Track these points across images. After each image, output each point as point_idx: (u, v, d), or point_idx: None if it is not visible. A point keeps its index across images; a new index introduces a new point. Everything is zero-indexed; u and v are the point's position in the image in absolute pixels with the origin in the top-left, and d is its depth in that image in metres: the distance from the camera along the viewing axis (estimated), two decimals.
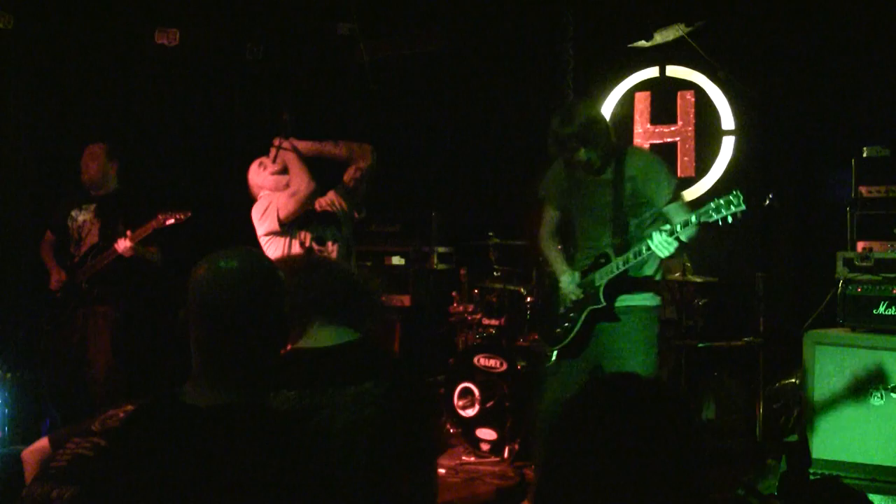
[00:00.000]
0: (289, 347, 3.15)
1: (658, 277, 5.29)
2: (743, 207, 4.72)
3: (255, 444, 2.32)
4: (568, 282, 5.26)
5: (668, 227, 4.89)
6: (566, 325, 5.28)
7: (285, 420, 2.48)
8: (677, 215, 5.02)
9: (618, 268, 5.08)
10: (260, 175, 5.95)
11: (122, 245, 6.50)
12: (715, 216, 4.76)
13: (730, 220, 4.74)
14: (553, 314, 5.42)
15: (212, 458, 2.28)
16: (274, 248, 5.71)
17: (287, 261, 5.49)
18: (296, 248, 5.73)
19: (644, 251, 4.98)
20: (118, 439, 2.51)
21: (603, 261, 5.16)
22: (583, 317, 5.20)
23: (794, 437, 6.44)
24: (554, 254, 5.48)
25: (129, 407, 3.50)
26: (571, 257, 5.41)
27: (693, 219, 4.81)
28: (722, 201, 4.75)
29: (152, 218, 6.56)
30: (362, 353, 3.15)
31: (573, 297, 5.25)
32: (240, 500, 2.25)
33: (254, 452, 2.30)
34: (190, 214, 6.59)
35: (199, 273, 2.47)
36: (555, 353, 5.32)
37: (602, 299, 5.13)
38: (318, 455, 2.43)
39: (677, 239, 4.85)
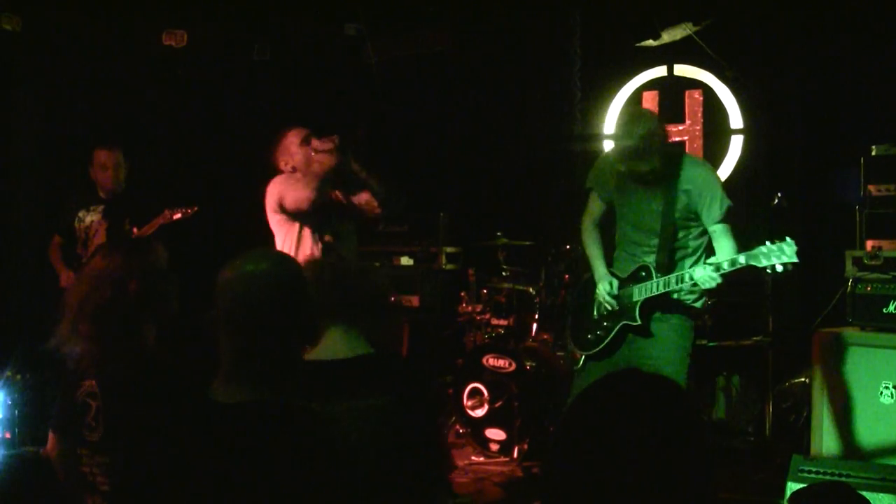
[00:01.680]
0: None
1: (699, 305, 5.21)
2: (795, 260, 4.64)
3: (284, 439, 2.38)
4: (605, 290, 5.14)
5: (713, 262, 4.83)
6: (598, 332, 5.22)
7: (314, 417, 2.52)
8: (723, 239, 4.99)
9: (657, 288, 4.99)
10: (302, 149, 5.84)
11: None
12: (764, 262, 4.69)
13: (779, 269, 4.67)
14: (586, 317, 5.34)
15: (243, 453, 2.34)
16: (283, 234, 5.68)
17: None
18: (306, 240, 5.70)
19: (687, 281, 4.92)
20: (151, 437, 2.55)
21: (644, 274, 5.07)
22: (616, 329, 5.13)
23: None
24: (595, 250, 5.33)
25: (91, 382, 3.48)
26: (612, 253, 5.33)
27: (742, 260, 4.75)
28: (774, 248, 4.67)
29: (159, 215, 6.57)
30: (377, 367, 3.15)
31: (608, 308, 5.16)
32: (270, 493, 2.30)
33: (284, 447, 2.36)
34: (196, 209, 6.59)
35: (226, 276, 2.52)
36: (582, 358, 5.29)
37: (637, 318, 5.05)
38: (341, 457, 2.46)
39: (721, 276, 4.80)
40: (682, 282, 4.94)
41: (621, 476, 1.76)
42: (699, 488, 1.80)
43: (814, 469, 4.71)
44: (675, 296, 5.07)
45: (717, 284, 4.82)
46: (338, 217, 5.90)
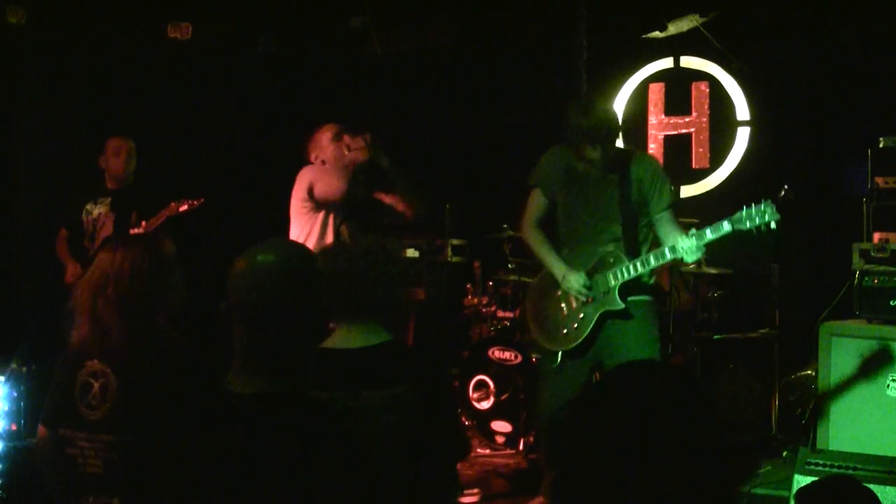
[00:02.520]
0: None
1: (651, 282, 5.29)
2: (777, 217, 4.73)
3: (297, 429, 2.39)
4: (577, 281, 5.12)
5: (695, 232, 4.89)
6: (575, 326, 5.20)
7: (327, 408, 2.53)
8: (669, 225, 5.09)
9: (635, 269, 5.03)
10: (332, 144, 5.93)
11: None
12: (748, 224, 4.77)
13: (763, 229, 4.75)
14: (554, 314, 5.31)
15: (256, 443, 2.35)
16: (306, 222, 5.74)
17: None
18: (331, 231, 5.76)
19: (668, 255, 4.97)
20: (164, 426, 2.58)
21: (612, 260, 5.11)
22: (595, 318, 5.13)
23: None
24: (546, 247, 5.33)
25: (93, 363, 3.50)
26: (558, 251, 5.31)
27: (726, 226, 4.82)
28: (754, 210, 4.75)
29: (165, 207, 6.57)
30: (394, 356, 3.13)
31: (583, 298, 5.16)
32: (284, 483, 2.31)
33: (296, 437, 2.37)
34: (203, 201, 6.59)
35: (238, 267, 2.52)
36: (559, 354, 5.25)
37: (619, 301, 5.08)
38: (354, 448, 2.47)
39: (704, 245, 4.88)
40: (662, 258, 5.01)
41: (638, 469, 1.75)
42: (716, 480, 1.79)
43: (821, 462, 4.70)
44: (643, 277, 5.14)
45: (701, 255, 4.97)
46: (370, 215, 5.98)
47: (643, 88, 8.40)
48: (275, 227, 5.95)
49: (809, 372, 6.42)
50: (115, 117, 7.99)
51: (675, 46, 8.18)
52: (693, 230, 4.95)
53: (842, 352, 5.69)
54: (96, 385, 3.47)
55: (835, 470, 4.61)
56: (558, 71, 8.48)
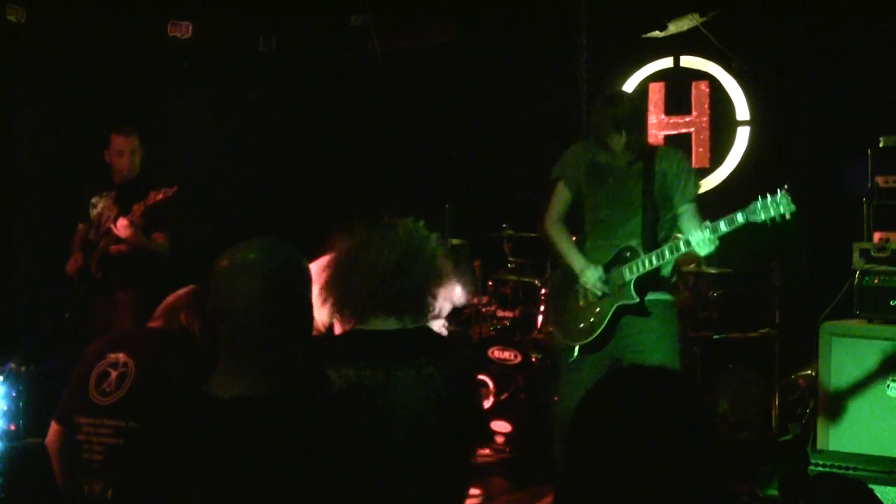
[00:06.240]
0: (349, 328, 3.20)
1: (673, 280, 5.25)
2: (793, 208, 4.67)
3: (273, 433, 2.33)
4: (592, 276, 5.06)
5: (709, 224, 4.82)
6: (592, 320, 5.13)
7: (307, 408, 2.49)
8: (694, 219, 5.00)
9: (650, 263, 4.95)
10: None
11: (121, 225, 6.42)
12: (763, 216, 4.70)
13: (778, 220, 4.68)
14: (572, 308, 5.26)
15: (232, 449, 2.30)
16: None
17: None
18: None
19: (682, 248, 4.91)
20: (143, 431, 2.56)
21: (629, 255, 5.03)
22: (610, 313, 5.06)
23: (788, 437, 6.41)
24: (567, 242, 5.27)
25: (117, 355, 3.52)
26: (581, 246, 5.25)
27: (740, 218, 4.74)
28: (769, 201, 4.69)
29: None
30: (423, 338, 3.17)
31: (598, 293, 5.11)
32: (257, 490, 2.27)
33: (273, 442, 2.31)
34: (176, 189, 6.49)
35: (220, 265, 2.46)
36: (577, 348, 5.19)
37: (634, 295, 5.00)
38: (349, 440, 2.45)
39: (718, 238, 4.81)
40: (676, 251, 4.93)
41: (637, 473, 1.75)
42: (712, 480, 1.79)
43: (820, 462, 4.69)
44: (662, 272, 5.07)
45: (715, 248, 4.85)
46: None
47: (643, 88, 8.39)
48: (271, 224, 5.93)
49: (810, 372, 6.42)
50: (114, 116, 7.99)
51: (675, 46, 8.17)
52: (707, 222, 4.86)
53: (842, 352, 5.69)
54: (114, 374, 3.49)
55: (834, 470, 4.60)
56: (558, 70, 8.48)
